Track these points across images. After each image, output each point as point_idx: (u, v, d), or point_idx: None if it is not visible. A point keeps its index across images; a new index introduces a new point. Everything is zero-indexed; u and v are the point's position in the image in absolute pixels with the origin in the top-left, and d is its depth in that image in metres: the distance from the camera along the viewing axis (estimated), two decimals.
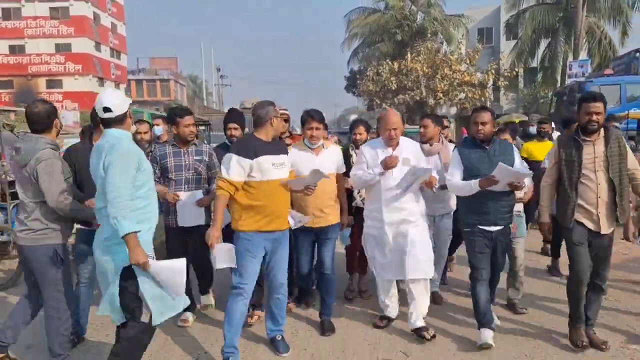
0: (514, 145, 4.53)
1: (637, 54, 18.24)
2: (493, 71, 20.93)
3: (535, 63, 28.75)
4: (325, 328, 4.45)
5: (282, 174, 3.86)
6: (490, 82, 20.84)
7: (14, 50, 41.13)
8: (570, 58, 25.63)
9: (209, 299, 4.92)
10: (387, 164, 4.11)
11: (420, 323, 4.25)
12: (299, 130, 6.66)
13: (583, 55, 26.43)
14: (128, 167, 3.00)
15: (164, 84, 60.52)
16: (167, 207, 4.47)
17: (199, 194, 4.47)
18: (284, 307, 4.18)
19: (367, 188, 4.44)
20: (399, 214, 4.23)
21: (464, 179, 4.16)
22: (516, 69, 23.12)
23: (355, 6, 28.78)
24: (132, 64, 56.62)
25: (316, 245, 4.59)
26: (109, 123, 3.16)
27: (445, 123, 5.56)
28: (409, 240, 4.20)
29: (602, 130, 3.98)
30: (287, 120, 5.28)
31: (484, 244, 4.20)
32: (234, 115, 4.93)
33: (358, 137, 5.08)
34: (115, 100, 3.15)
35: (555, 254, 5.91)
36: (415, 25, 25.02)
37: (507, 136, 5.19)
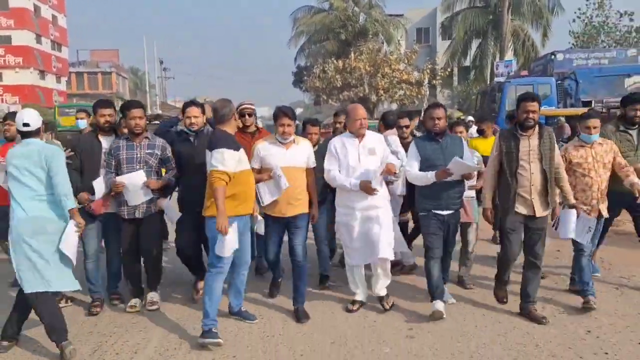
0: (462, 139, 4.97)
1: (552, 57, 20.57)
2: (428, 70, 22.84)
3: (468, 62, 30.88)
4: (300, 316, 4.53)
5: (248, 164, 4.29)
6: (426, 81, 22.74)
7: None
8: (498, 58, 28.15)
9: (156, 297, 4.87)
10: (439, 176, 4.36)
11: (382, 293, 4.65)
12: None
13: (510, 55, 28.87)
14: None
15: (105, 77, 59.31)
16: (117, 200, 4.63)
17: (141, 172, 4.55)
18: (244, 283, 4.54)
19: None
20: (368, 200, 4.48)
21: (420, 168, 4.52)
22: (449, 69, 25.16)
23: (301, 5, 30.08)
24: (73, 56, 55.34)
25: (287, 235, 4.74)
26: (28, 134, 3.95)
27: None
28: (377, 223, 4.47)
29: (536, 126, 4.38)
30: (251, 115, 5.41)
31: (437, 227, 4.56)
32: (196, 104, 5.18)
33: (314, 137, 5.34)
34: (32, 118, 3.95)
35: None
36: (358, 25, 26.67)
37: (461, 129, 5.66)
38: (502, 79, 20.49)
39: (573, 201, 4.59)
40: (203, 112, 4.93)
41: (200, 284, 4.84)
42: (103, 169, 4.66)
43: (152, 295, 4.84)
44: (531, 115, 4.29)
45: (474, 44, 30.19)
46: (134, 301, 4.75)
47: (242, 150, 4.16)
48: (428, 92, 23.47)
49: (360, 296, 4.72)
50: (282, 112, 4.48)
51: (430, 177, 4.40)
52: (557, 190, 4.57)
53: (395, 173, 4.68)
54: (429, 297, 4.58)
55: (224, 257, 4.06)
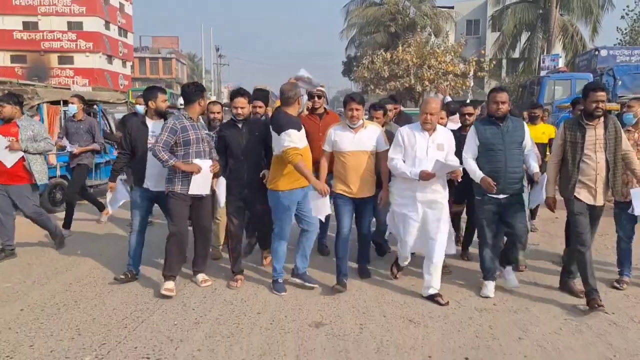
0: (524, 123, 4.77)
1: (596, 52, 21.13)
2: (474, 63, 23.73)
3: (517, 54, 31.52)
4: (362, 272, 5.08)
5: (306, 143, 4.61)
6: (471, 73, 23.65)
7: (28, 26, 42.42)
8: (552, 51, 28.57)
9: (204, 278, 4.90)
10: (424, 177, 4.34)
11: (433, 292, 4.49)
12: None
13: (558, 49, 29.27)
14: None
15: (166, 62, 62.44)
16: (180, 179, 4.54)
17: (209, 162, 4.66)
18: (310, 247, 4.81)
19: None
20: (431, 195, 4.46)
21: (479, 152, 4.52)
22: (494, 62, 25.90)
23: None
24: (136, 42, 58.36)
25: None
26: None
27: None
28: (435, 222, 4.47)
29: (602, 117, 4.35)
30: (320, 97, 5.50)
31: (492, 211, 4.54)
32: (259, 94, 5.51)
33: (355, 113, 4.93)
34: None
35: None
36: (408, 19, 27.75)
37: (470, 110, 5.50)
38: (564, 69, 21.25)
39: None
40: (249, 101, 4.94)
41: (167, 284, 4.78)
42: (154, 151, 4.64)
43: (203, 276, 4.91)
44: (600, 105, 4.27)
45: (523, 37, 30.57)
46: (171, 284, 4.57)
47: (302, 130, 4.54)
48: (472, 83, 24.29)
49: (402, 262, 4.89)
50: (350, 98, 4.69)
51: (413, 175, 4.37)
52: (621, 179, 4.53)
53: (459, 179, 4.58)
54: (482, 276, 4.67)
55: (287, 227, 4.61)
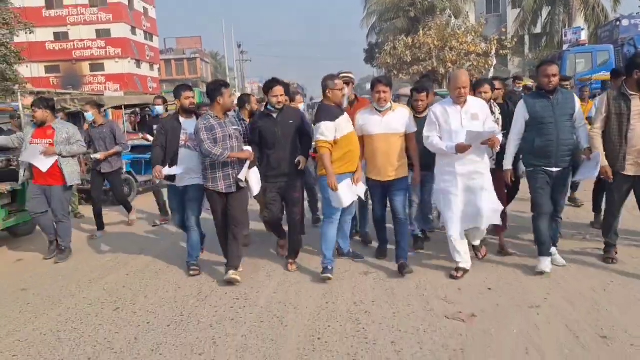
0: (574, 94, 4.74)
1: (617, 23, 21.20)
2: (495, 41, 23.99)
3: (539, 29, 31.54)
4: (402, 269, 4.68)
5: (351, 128, 4.69)
6: (493, 51, 23.91)
7: (59, 37, 43.91)
8: (573, 24, 28.53)
9: (236, 275, 4.77)
10: (460, 150, 4.34)
11: (476, 243, 4.83)
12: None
13: (580, 22, 29.18)
14: None
15: (190, 63, 63.81)
16: (213, 175, 4.72)
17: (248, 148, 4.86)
18: (349, 228, 5.19)
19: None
20: (470, 167, 4.44)
21: (528, 124, 4.49)
22: (515, 39, 26.07)
23: None
24: (161, 45, 59.72)
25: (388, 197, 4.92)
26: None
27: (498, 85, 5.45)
28: (479, 192, 4.44)
29: None
30: (349, 84, 5.34)
31: (546, 182, 4.50)
32: (280, 83, 5.20)
33: (420, 104, 5.23)
34: None
35: (597, 210, 6.01)
36: (427, 2, 28.08)
37: (487, 88, 5.04)
38: (584, 42, 21.40)
39: None
40: (287, 91, 5.07)
41: (281, 242, 5.51)
42: (185, 149, 5.00)
43: (234, 272, 4.82)
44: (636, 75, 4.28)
45: (544, 12, 30.58)
46: (233, 272, 4.72)
47: (340, 118, 4.60)
48: (495, 62, 24.56)
49: (463, 264, 4.59)
50: (377, 81, 4.76)
51: (449, 149, 4.39)
52: None
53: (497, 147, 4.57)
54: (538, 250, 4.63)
55: (336, 209, 4.68)
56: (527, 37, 32.25)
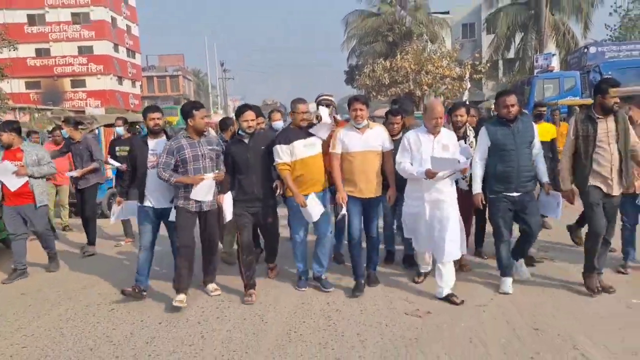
0: (533, 123, 4.93)
1: (586, 50, 22.34)
2: (469, 66, 25.02)
3: (512, 54, 32.60)
4: (371, 280, 5.06)
5: (311, 152, 4.82)
6: (467, 75, 24.91)
7: (40, 53, 44.06)
8: (544, 50, 29.85)
9: (215, 287, 5.08)
10: (429, 176, 4.50)
11: (447, 292, 4.61)
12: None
13: (552, 47, 30.44)
14: None
15: (173, 80, 64.19)
16: (182, 195, 4.76)
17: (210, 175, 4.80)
18: (327, 251, 5.06)
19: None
20: (437, 195, 4.60)
21: (491, 152, 4.68)
22: (488, 63, 27.18)
23: (352, 9, 32.84)
24: (143, 62, 60.01)
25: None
26: None
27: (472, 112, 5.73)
28: (445, 219, 4.57)
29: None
30: (329, 106, 5.35)
31: (507, 209, 4.69)
32: (251, 108, 5.11)
33: (395, 126, 5.35)
34: None
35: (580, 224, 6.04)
36: (404, 28, 29.11)
37: (462, 112, 5.37)
38: (553, 68, 22.47)
39: None
40: (257, 115, 5.14)
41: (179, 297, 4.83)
42: (154, 169, 4.87)
43: (213, 285, 5.10)
44: (618, 100, 4.51)
45: (517, 38, 31.77)
46: (182, 297, 4.69)
47: (298, 141, 4.78)
48: (469, 85, 25.57)
49: (424, 269, 5.05)
50: (354, 99, 4.90)
51: (419, 174, 4.55)
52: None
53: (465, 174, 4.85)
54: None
55: (301, 226, 5.02)
56: (500, 62, 33.39)
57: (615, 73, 18.01)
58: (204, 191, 4.75)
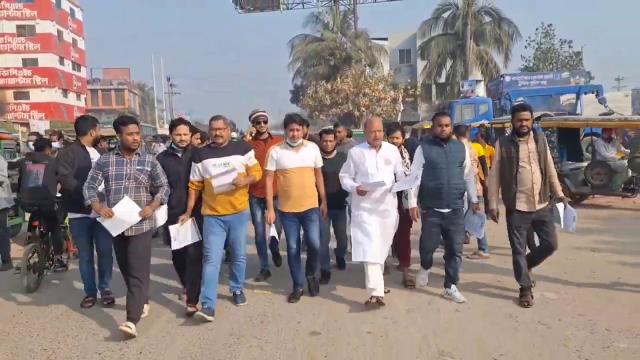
0: (465, 145, 5.25)
1: (502, 79, 25.31)
2: (402, 90, 27.68)
3: (443, 79, 35.49)
4: (312, 287, 5.19)
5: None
6: (400, 98, 27.53)
7: None
8: (469, 77, 33.03)
9: (146, 308, 4.77)
10: (359, 193, 4.75)
11: (379, 293, 4.79)
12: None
13: (478, 74, 33.72)
14: None
15: (118, 93, 64.01)
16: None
17: (134, 206, 4.40)
18: (242, 270, 5.03)
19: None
20: (383, 205, 4.87)
21: (425, 170, 4.84)
22: (418, 89, 30.02)
23: (298, 33, 35.11)
24: (87, 74, 59.49)
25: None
26: None
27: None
28: (389, 227, 4.94)
29: (531, 132, 4.82)
30: (265, 122, 5.67)
31: (436, 223, 4.93)
32: (184, 122, 5.13)
33: (329, 143, 5.61)
34: None
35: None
36: (345, 53, 31.58)
37: (398, 134, 5.49)
38: (470, 94, 25.27)
39: (561, 194, 4.94)
40: (191, 130, 5.13)
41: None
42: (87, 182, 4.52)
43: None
44: (524, 123, 4.76)
45: (448, 64, 34.92)
46: (131, 324, 4.31)
47: (208, 160, 4.71)
48: (402, 108, 28.16)
49: (376, 292, 4.81)
50: (291, 119, 5.01)
51: (351, 188, 4.90)
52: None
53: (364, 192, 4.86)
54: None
55: (208, 250, 4.72)
56: (433, 86, 36.22)
57: (529, 100, 20.54)
58: (117, 225, 4.39)
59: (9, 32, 43.85)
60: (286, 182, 5.00)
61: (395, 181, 4.98)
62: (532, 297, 4.85)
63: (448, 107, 21.35)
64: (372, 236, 4.85)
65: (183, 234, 4.75)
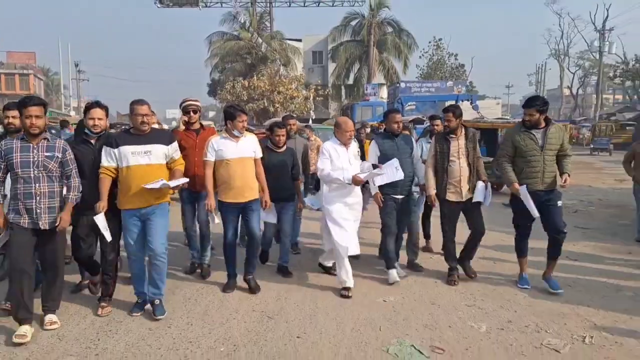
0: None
1: (398, 85, 29.02)
2: (314, 90, 30.58)
3: (351, 81, 38.61)
4: (252, 286, 5.11)
5: (142, 161, 4.32)
6: (311, 97, 30.39)
7: None
8: (373, 80, 36.79)
9: (55, 317, 4.26)
10: (355, 182, 5.06)
11: (350, 284, 5.06)
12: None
13: (380, 79, 37.45)
14: None
15: (22, 78, 61.45)
16: (15, 208, 4.01)
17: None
18: (162, 272, 4.50)
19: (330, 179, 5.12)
20: (356, 198, 5.27)
21: (379, 161, 5.33)
22: (328, 89, 33.06)
23: (215, 29, 36.50)
24: None
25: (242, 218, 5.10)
26: None
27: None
28: (356, 220, 5.29)
29: (463, 129, 5.31)
30: (196, 112, 5.48)
31: (393, 208, 5.38)
32: (100, 106, 4.57)
33: (281, 137, 5.66)
34: None
35: (427, 237, 6.93)
36: (261, 52, 33.83)
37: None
38: (369, 98, 28.68)
39: (484, 177, 5.36)
40: (107, 115, 4.63)
41: (93, 279, 4.93)
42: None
43: (51, 317, 4.24)
44: (446, 122, 5.30)
45: (355, 68, 38.23)
46: (25, 329, 3.97)
47: (122, 147, 4.31)
48: (313, 106, 31.00)
49: (349, 283, 5.05)
50: (240, 111, 4.94)
51: (346, 180, 5.04)
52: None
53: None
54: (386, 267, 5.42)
55: (130, 247, 4.43)
56: (343, 87, 39.34)
57: (419, 104, 24.18)
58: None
59: None
60: (227, 172, 4.95)
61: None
62: (457, 277, 5.43)
63: (350, 108, 24.51)
64: (350, 230, 5.19)
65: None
